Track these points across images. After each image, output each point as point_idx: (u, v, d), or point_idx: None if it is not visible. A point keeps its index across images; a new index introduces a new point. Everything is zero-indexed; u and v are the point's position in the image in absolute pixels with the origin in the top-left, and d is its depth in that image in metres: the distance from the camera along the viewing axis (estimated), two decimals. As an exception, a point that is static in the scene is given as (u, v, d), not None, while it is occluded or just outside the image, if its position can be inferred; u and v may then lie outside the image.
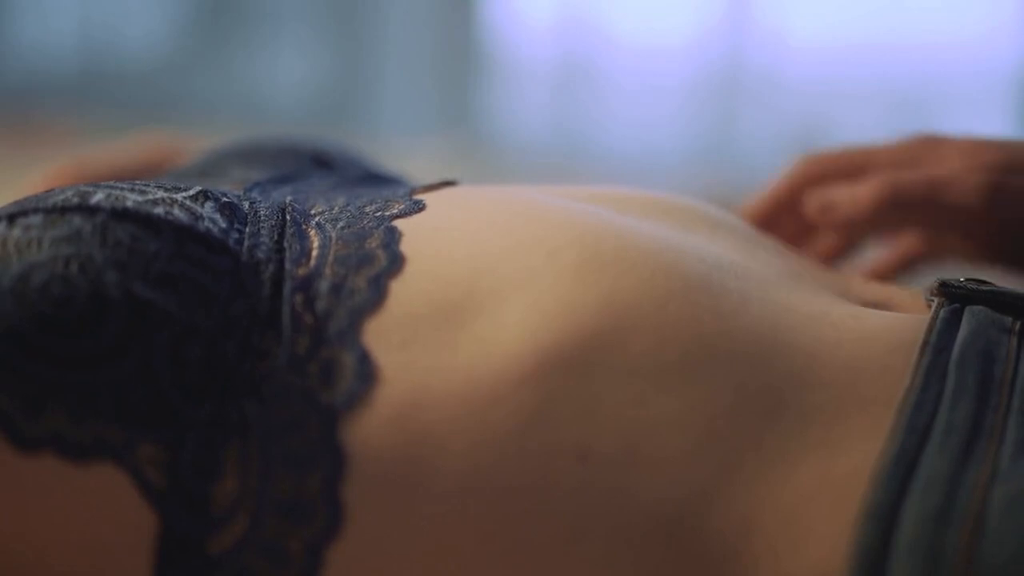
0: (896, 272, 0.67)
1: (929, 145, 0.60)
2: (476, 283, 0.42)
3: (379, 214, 0.46)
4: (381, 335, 0.41)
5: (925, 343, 0.42)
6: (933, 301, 0.45)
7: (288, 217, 0.45)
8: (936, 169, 0.58)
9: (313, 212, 0.46)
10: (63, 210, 0.41)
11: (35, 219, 0.41)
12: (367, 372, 0.40)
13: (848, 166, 0.61)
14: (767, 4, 2.26)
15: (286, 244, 0.43)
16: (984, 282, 0.46)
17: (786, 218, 0.63)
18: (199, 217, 0.43)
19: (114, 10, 2.76)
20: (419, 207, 0.47)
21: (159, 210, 0.42)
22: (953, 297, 0.45)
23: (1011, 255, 0.60)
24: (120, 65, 2.72)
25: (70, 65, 2.73)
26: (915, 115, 2.11)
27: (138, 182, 0.44)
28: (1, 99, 2.41)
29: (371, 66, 2.67)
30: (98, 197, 0.42)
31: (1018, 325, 0.43)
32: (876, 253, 0.66)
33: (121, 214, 0.41)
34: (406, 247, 0.44)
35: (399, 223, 0.45)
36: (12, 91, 2.52)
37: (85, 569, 0.40)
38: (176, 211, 0.42)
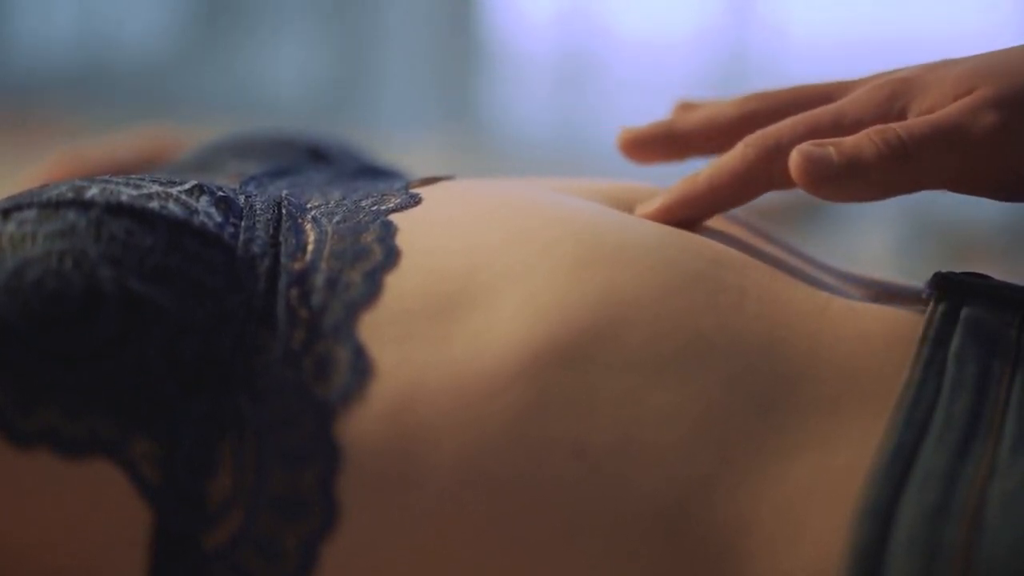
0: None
1: (904, 86, 0.48)
2: (472, 277, 0.42)
3: (375, 208, 0.46)
4: (376, 329, 0.41)
5: (924, 337, 0.42)
6: (932, 295, 0.45)
7: (284, 211, 0.45)
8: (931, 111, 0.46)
9: (309, 206, 0.46)
10: (57, 205, 0.41)
11: (29, 214, 0.41)
12: (362, 367, 0.40)
13: (824, 118, 0.49)
14: (770, -2, 2.26)
15: (282, 238, 0.43)
16: (983, 276, 0.46)
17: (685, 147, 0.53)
18: (194, 211, 0.42)
19: (114, 5, 2.76)
20: (415, 201, 0.46)
21: (154, 204, 0.42)
22: (952, 291, 0.44)
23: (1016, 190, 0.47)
24: (120, 60, 2.72)
25: (70, 60, 2.73)
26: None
27: (133, 176, 0.44)
28: (1, 94, 2.40)
29: (372, 60, 2.67)
30: (92, 192, 0.42)
31: (1017, 320, 0.43)
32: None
33: (116, 208, 0.41)
34: (402, 241, 0.43)
35: (395, 217, 0.45)
36: (12, 86, 2.52)
37: (80, 565, 0.40)
38: (171, 205, 0.42)
